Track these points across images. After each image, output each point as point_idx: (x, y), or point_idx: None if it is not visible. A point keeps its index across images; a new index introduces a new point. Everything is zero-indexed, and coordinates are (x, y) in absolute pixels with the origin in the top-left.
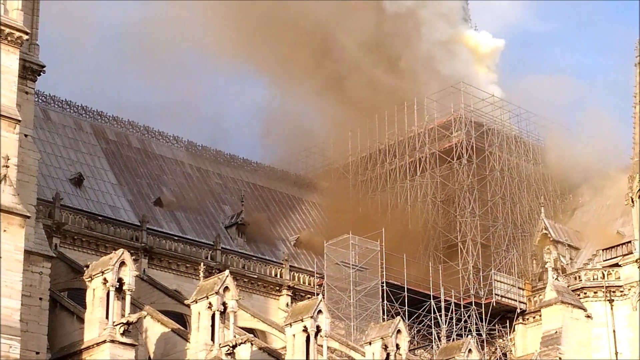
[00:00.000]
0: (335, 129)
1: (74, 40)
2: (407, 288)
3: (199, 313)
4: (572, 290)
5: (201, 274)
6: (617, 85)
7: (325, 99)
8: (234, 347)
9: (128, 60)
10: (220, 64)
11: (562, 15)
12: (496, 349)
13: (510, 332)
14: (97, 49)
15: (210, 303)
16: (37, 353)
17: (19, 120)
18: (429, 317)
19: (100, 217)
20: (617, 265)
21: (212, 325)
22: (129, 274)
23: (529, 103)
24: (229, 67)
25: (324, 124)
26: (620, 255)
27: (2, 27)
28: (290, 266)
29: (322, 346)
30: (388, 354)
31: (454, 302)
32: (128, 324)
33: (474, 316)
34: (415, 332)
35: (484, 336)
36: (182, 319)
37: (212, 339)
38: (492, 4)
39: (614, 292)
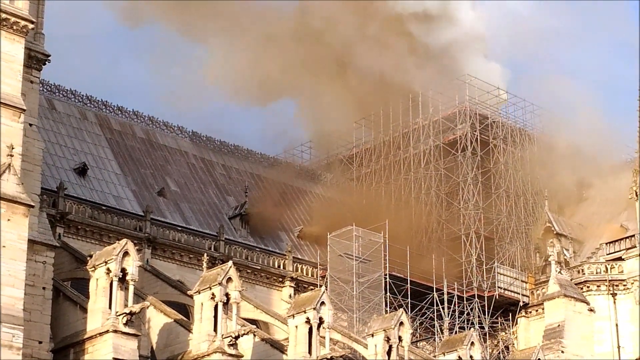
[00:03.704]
0: (339, 120)
1: (79, 30)
2: (410, 280)
3: (202, 304)
4: (575, 284)
5: (204, 265)
6: (621, 81)
7: (329, 90)
8: (236, 338)
9: (134, 49)
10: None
11: (567, 12)
12: (499, 342)
13: (512, 325)
14: (101, 39)
15: (213, 294)
16: (40, 342)
17: (24, 110)
18: (431, 309)
19: (104, 207)
20: (620, 259)
21: (215, 316)
22: (132, 264)
23: (534, 96)
24: None
25: (328, 116)
26: (624, 249)
27: (8, 16)
28: (293, 257)
29: (324, 338)
30: (390, 346)
31: (457, 295)
32: (131, 314)
33: (477, 309)
34: (417, 324)
35: (486, 329)
36: (185, 310)
37: (215, 329)
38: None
39: (617, 285)
